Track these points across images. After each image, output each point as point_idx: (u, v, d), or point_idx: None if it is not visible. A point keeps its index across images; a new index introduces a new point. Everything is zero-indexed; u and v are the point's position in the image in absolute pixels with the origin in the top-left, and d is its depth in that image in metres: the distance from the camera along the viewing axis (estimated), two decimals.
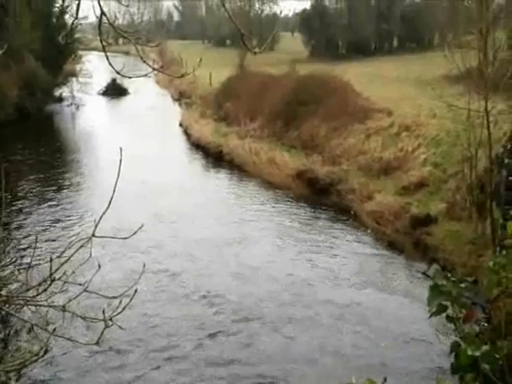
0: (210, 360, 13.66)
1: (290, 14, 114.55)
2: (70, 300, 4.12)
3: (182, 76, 4.54)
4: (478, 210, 18.57)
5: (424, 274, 18.09)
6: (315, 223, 23.35)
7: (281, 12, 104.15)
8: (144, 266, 11.31)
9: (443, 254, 18.38)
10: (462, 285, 2.98)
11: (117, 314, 3.99)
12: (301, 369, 13.36)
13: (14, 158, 31.77)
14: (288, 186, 27.16)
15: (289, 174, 27.83)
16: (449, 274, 3.19)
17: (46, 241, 20.18)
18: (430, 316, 3.04)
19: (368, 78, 42.51)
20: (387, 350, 13.98)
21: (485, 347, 2.70)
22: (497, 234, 15.41)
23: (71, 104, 53.69)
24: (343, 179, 25.52)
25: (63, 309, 3.97)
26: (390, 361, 13.54)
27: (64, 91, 55.09)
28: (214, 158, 33.58)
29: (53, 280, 3.56)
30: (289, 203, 25.60)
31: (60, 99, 54.70)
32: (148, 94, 58.90)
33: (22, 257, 18.80)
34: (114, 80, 58.65)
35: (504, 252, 3.76)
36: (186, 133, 40.06)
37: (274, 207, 25.26)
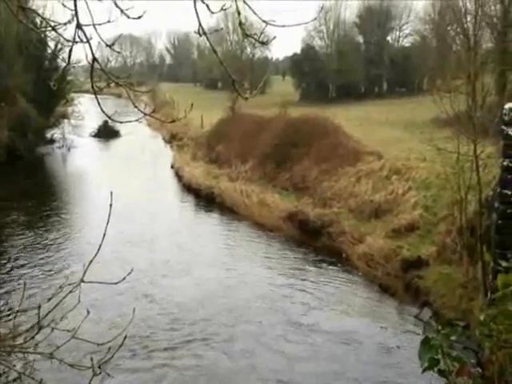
0: None
1: (281, 58, 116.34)
2: (58, 347, 4.06)
3: (173, 121, 4.58)
4: (469, 254, 18.55)
5: (416, 317, 18.00)
6: (305, 265, 23.25)
7: (272, 58, 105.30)
8: (134, 311, 11.23)
9: (434, 298, 18.30)
10: (453, 337, 2.96)
11: (105, 361, 3.93)
12: None
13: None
14: (279, 227, 27.14)
15: (280, 215, 27.84)
16: (440, 327, 3.17)
17: (33, 285, 19.99)
18: (423, 371, 3.00)
19: (358, 121, 42.94)
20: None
21: None
22: (487, 277, 15.38)
23: (62, 146, 53.88)
24: (334, 221, 25.52)
25: (51, 356, 3.91)
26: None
27: (55, 133, 55.29)
28: (206, 199, 33.61)
29: (40, 327, 3.51)
30: (279, 245, 25.54)
31: (51, 141, 54.88)
32: (140, 136, 59.11)
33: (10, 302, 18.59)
34: (105, 122, 58.93)
35: (495, 296, 3.74)
36: (178, 175, 40.15)
37: (264, 249, 25.18)
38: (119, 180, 37.35)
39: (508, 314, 3.28)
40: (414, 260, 20.60)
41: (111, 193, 4.39)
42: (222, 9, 3.34)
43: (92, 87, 3.65)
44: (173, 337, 16.73)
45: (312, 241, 25.26)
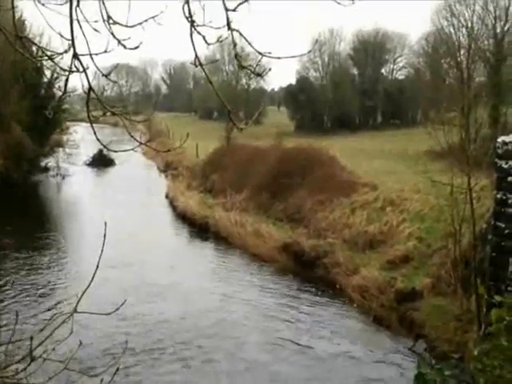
0: None
1: (277, 88, 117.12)
2: (50, 378, 4.02)
3: (169, 150, 4.60)
4: (463, 286, 18.51)
5: (410, 349, 17.89)
6: (300, 296, 23.13)
7: (267, 89, 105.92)
8: (126, 342, 11.13)
9: (429, 330, 18.19)
10: (447, 372, 2.93)
11: None
12: None
13: None
14: (273, 258, 27.03)
15: (274, 246, 27.75)
16: (433, 361, 3.15)
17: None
18: None
19: (353, 153, 43.08)
20: None
21: None
22: (482, 310, 15.33)
23: (57, 174, 53.82)
24: (329, 252, 25.45)
25: None
26: None
27: (50, 161, 55.24)
28: (200, 229, 33.54)
29: (33, 359, 3.47)
30: (273, 276, 25.43)
31: (46, 169, 54.82)
32: (134, 164, 59.14)
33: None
34: (100, 151, 58.87)
35: (488, 331, 3.72)
36: (172, 204, 40.10)
37: (258, 280, 25.08)
38: (113, 209, 37.21)
39: (502, 348, 3.26)
40: (408, 292, 20.54)
41: (105, 223, 4.39)
42: (218, 40, 3.36)
43: (88, 117, 3.66)
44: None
45: (307, 272, 25.16)
